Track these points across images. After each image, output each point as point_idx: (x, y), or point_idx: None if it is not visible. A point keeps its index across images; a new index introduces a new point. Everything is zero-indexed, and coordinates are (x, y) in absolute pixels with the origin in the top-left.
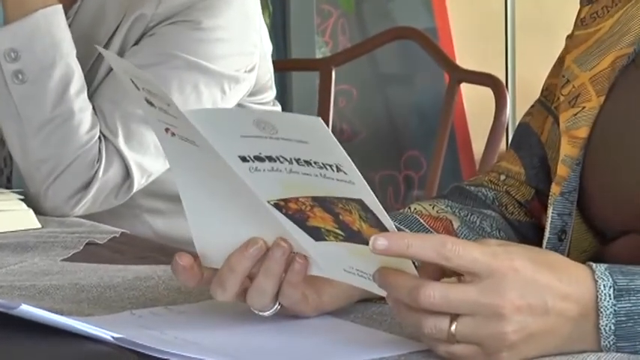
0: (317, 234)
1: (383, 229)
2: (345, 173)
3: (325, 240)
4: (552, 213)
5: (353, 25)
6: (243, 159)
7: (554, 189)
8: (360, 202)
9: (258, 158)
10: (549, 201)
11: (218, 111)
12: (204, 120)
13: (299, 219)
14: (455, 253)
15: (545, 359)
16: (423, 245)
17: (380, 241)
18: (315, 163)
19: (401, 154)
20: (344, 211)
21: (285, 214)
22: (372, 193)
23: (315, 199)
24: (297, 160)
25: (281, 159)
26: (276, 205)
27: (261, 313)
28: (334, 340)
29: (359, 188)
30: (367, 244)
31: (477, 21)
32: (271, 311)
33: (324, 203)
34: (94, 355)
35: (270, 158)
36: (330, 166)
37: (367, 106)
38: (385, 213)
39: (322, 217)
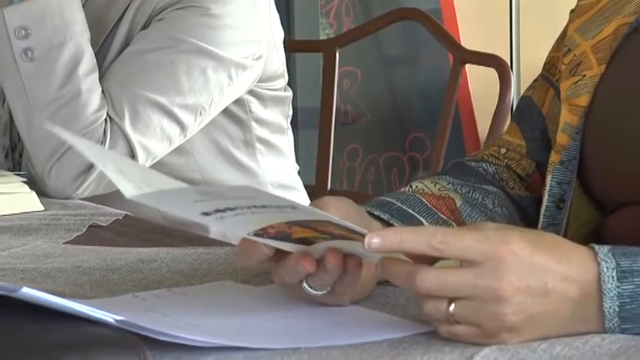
0: (305, 242)
1: (359, 233)
2: (301, 209)
3: (315, 243)
4: (551, 181)
5: (357, 7)
6: (206, 214)
7: (554, 157)
8: (328, 222)
9: (219, 210)
10: (548, 169)
11: (161, 193)
12: (153, 200)
13: (283, 237)
14: (445, 244)
15: (549, 341)
16: (415, 239)
17: (374, 239)
18: (270, 206)
19: (406, 136)
20: (319, 225)
21: (268, 238)
22: (333, 216)
23: (288, 222)
24: (255, 206)
25: (239, 207)
26: (256, 235)
27: (314, 293)
28: (337, 322)
29: (320, 215)
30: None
31: (482, 2)
32: (324, 292)
33: (299, 223)
34: (96, 338)
35: (229, 209)
36: (286, 206)
37: (371, 87)
38: (354, 225)
39: (303, 230)
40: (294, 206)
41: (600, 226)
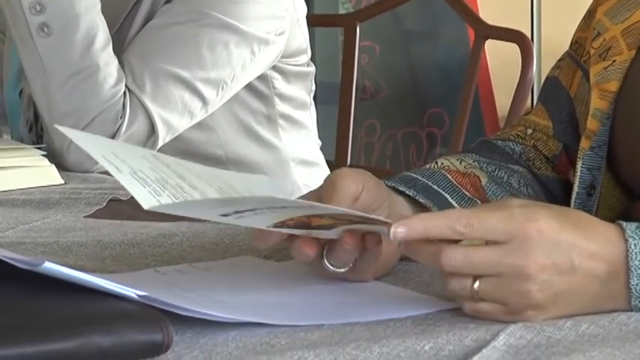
0: (325, 228)
1: (381, 221)
2: (320, 208)
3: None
4: (582, 167)
5: None
6: (225, 215)
7: (584, 143)
8: (347, 213)
9: (238, 212)
10: (578, 155)
11: (179, 205)
12: (171, 210)
13: (302, 227)
14: (470, 227)
15: (575, 318)
16: (440, 225)
17: (400, 229)
18: (290, 207)
19: (424, 111)
20: (338, 216)
21: (288, 227)
22: (354, 211)
23: (307, 215)
24: (274, 207)
25: (258, 208)
26: (276, 226)
27: (335, 270)
28: (361, 298)
29: (340, 212)
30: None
31: None
32: (346, 269)
33: (318, 215)
34: (119, 312)
35: (248, 210)
36: (305, 207)
37: (390, 62)
38: (375, 216)
39: (322, 219)
40: (312, 206)
41: (628, 211)
